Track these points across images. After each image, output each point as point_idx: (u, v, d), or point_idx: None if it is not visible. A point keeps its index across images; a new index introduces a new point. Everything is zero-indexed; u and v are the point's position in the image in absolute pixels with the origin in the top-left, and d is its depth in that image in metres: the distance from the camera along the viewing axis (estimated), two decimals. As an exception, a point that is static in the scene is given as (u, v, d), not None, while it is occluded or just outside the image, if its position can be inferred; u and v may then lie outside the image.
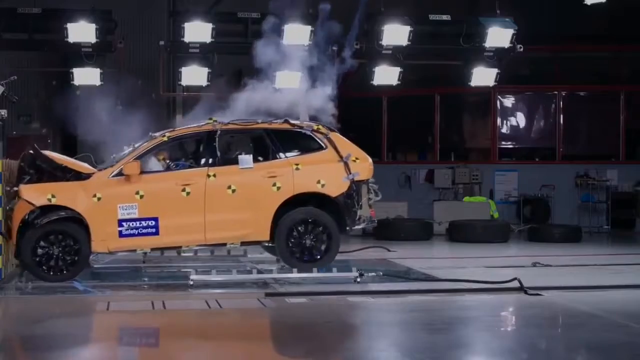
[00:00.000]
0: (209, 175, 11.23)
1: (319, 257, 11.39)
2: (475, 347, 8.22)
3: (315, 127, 11.86)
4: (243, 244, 11.57)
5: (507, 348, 8.05)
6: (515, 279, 10.74)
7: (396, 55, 16.63)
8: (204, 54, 16.11)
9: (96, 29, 15.54)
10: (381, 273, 11.65)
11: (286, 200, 11.32)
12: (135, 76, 15.21)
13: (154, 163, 11.55)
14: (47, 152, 11.52)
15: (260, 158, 11.58)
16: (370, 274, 11.49)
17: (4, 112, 11.50)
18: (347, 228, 11.58)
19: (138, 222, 11.00)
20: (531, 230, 18.31)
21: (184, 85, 16.52)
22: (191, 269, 11.56)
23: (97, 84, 15.98)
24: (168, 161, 11.67)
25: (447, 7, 17.13)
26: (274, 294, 10.36)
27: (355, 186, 11.52)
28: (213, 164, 11.36)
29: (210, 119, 11.72)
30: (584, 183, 20.41)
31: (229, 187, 11.21)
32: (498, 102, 21.26)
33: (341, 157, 11.60)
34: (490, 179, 20.90)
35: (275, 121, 11.89)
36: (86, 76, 16.01)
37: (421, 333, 8.73)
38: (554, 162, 21.17)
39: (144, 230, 11.02)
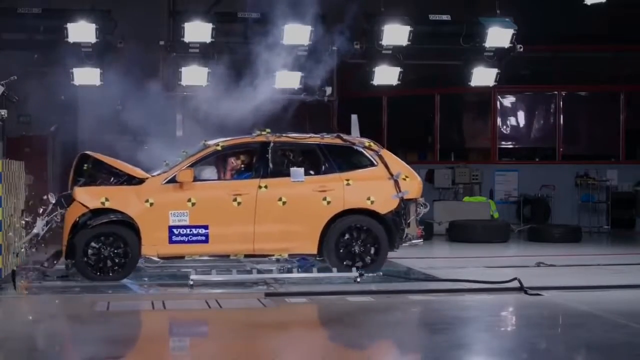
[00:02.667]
0: (260, 187, 11.37)
1: (367, 263, 11.51)
2: (475, 347, 8.22)
3: (367, 144, 12.02)
4: (290, 256, 11.63)
5: (507, 348, 8.05)
6: (515, 279, 10.75)
7: (396, 55, 16.64)
8: (204, 54, 16.11)
9: (96, 29, 15.55)
10: (381, 273, 11.66)
11: (335, 215, 11.44)
12: (135, 76, 15.17)
13: (208, 172, 11.67)
14: (101, 156, 11.60)
15: (311, 172, 11.70)
16: (370, 274, 11.51)
17: (4, 112, 11.51)
18: (395, 245, 11.70)
19: (188, 229, 11.17)
20: (531, 230, 18.31)
21: (184, 85, 16.52)
22: (191, 269, 11.58)
23: (97, 84, 15.98)
24: (242, 166, 11.84)
25: (447, 7, 17.12)
26: (274, 294, 10.36)
27: (404, 204, 11.63)
28: (265, 175, 11.47)
29: (263, 130, 11.85)
30: (584, 183, 20.40)
31: (280, 199, 11.36)
32: (498, 102, 21.26)
33: (391, 174, 11.73)
34: (490, 179, 20.90)
35: (327, 136, 12.04)
36: (86, 76, 16.01)
37: (421, 333, 8.73)
38: (554, 162, 21.17)
39: (194, 238, 11.18)
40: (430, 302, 10.14)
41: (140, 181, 11.34)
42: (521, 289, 10.56)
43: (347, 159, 11.89)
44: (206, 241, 11.22)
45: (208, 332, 8.92)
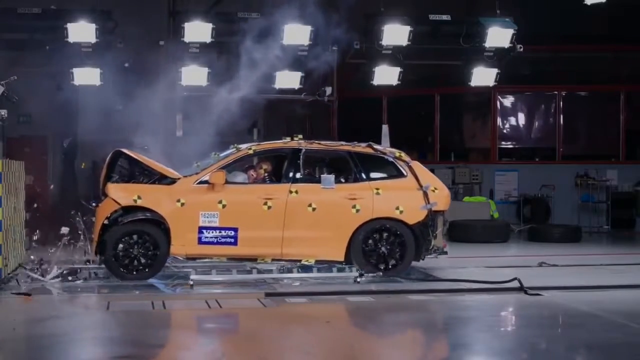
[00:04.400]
0: (291, 192, 11.43)
1: (389, 267, 11.58)
2: (475, 347, 8.22)
3: (397, 154, 12.10)
4: (317, 262, 11.66)
5: (507, 348, 8.05)
6: (515, 279, 10.75)
7: (396, 55, 16.63)
8: (204, 54, 16.11)
9: (96, 29, 15.55)
10: (381, 273, 11.67)
11: (364, 223, 11.47)
12: (134, 76, 15.18)
13: (238, 175, 11.79)
14: (134, 153, 11.68)
15: (341, 179, 11.80)
16: (370, 274, 11.52)
17: (4, 112, 11.50)
18: (420, 257, 11.77)
19: (218, 231, 11.24)
20: (531, 230, 18.31)
21: (184, 85, 16.51)
22: (191, 269, 11.60)
23: (97, 84, 15.97)
24: (266, 175, 11.92)
25: (447, 7, 17.12)
26: (274, 294, 10.36)
27: (432, 216, 11.67)
28: (295, 181, 11.52)
29: (295, 136, 11.96)
30: (584, 183, 20.40)
31: (310, 205, 11.43)
32: (498, 102, 21.26)
33: (421, 185, 11.80)
34: (490, 179, 20.90)
35: (359, 144, 12.09)
36: (86, 76, 16.00)
37: (421, 333, 8.73)
38: (554, 162, 21.17)
39: (223, 240, 11.25)
40: (430, 302, 10.14)
41: (172, 181, 11.41)
42: (521, 289, 10.57)
43: (377, 169, 12.00)
44: (235, 243, 11.26)
45: (208, 332, 8.92)
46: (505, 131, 21.54)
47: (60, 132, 20.71)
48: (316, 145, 12.00)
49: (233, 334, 8.90)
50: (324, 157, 12.31)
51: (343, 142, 12.28)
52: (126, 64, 15.84)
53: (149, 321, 9.19)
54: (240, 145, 11.95)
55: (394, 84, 16.99)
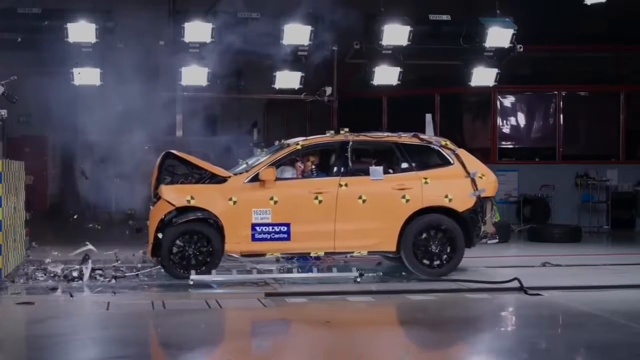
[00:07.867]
0: (340, 185, 11.51)
1: (444, 263, 11.66)
2: (475, 347, 8.23)
3: (443, 143, 12.19)
4: (370, 253, 11.78)
5: (507, 348, 8.05)
6: (515, 279, 10.76)
7: (396, 55, 16.64)
8: (203, 54, 16.10)
9: (96, 29, 15.56)
10: (381, 273, 11.69)
11: (414, 213, 11.56)
12: (135, 76, 15.18)
13: (286, 171, 11.94)
14: (184, 154, 11.76)
15: (390, 170, 11.88)
16: (370, 274, 11.53)
17: (4, 112, 11.51)
18: (472, 243, 11.88)
19: (271, 227, 11.32)
20: (531, 230, 18.30)
21: (184, 85, 16.51)
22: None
23: (97, 84, 15.97)
24: (314, 166, 12.04)
25: (446, 7, 17.13)
26: (274, 294, 10.37)
27: (481, 202, 11.78)
28: (344, 174, 11.61)
29: (342, 129, 12.04)
30: (584, 183, 20.38)
31: (360, 197, 11.51)
32: (498, 102, 21.24)
33: (468, 173, 11.92)
34: (490, 179, 20.85)
35: (404, 135, 12.17)
36: (86, 76, 16.00)
37: (421, 333, 8.73)
38: (554, 162, 21.15)
39: (276, 235, 11.33)
40: (430, 302, 10.14)
41: (223, 179, 11.48)
42: (521, 289, 10.57)
43: (424, 158, 12.10)
44: (288, 239, 11.35)
45: (208, 332, 8.91)
46: (505, 131, 21.52)
47: (59, 132, 20.71)
48: (363, 137, 12.08)
49: (233, 334, 8.89)
50: (372, 149, 12.40)
51: (389, 133, 12.32)
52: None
53: (149, 321, 9.20)
54: (287, 141, 12.03)
55: (394, 84, 16.99)
